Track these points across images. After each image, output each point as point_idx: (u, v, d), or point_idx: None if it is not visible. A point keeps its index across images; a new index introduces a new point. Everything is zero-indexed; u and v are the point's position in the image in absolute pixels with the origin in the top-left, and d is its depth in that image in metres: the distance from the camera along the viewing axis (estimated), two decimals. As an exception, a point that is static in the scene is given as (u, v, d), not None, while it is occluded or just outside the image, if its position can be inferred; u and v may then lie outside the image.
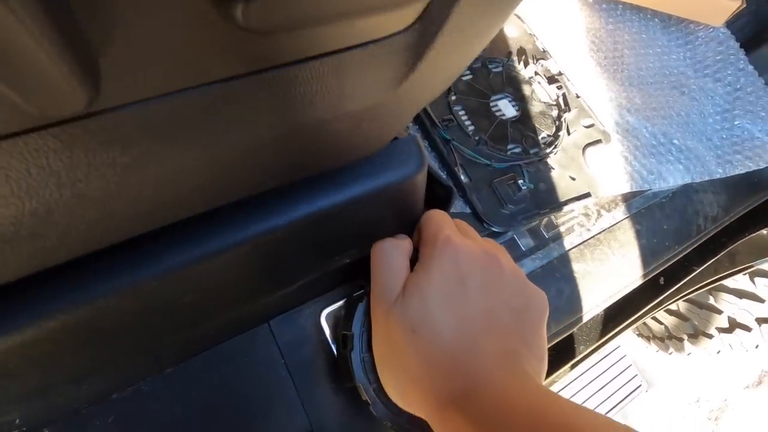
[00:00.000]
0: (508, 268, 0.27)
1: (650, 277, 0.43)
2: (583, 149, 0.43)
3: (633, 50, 0.52)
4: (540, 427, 0.19)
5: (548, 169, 0.41)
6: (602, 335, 0.45)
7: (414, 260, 0.27)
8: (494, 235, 0.38)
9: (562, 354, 0.44)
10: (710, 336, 0.97)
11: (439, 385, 0.22)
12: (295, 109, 0.15)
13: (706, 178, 0.46)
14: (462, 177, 0.38)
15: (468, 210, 0.38)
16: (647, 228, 0.43)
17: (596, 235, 0.41)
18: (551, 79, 0.46)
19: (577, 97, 0.46)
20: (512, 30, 0.49)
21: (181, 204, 0.16)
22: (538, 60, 0.47)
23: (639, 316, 0.47)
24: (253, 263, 0.24)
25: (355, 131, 0.19)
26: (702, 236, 0.45)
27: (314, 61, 0.13)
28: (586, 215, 0.42)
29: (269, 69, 0.12)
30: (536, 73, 0.46)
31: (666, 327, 1.06)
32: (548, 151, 0.42)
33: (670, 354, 1.09)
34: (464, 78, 0.44)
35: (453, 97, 0.42)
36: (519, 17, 0.50)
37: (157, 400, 0.26)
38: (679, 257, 0.44)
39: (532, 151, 0.41)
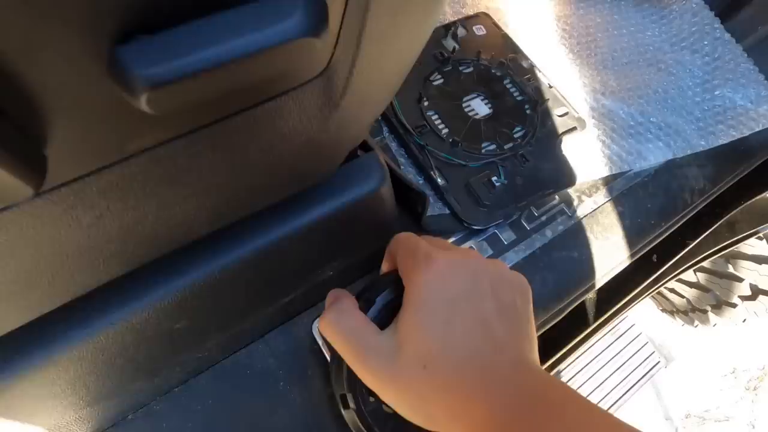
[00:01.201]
0: (488, 265, 0.27)
1: (639, 256, 0.44)
2: (559, 138, 0.44)
3: (606, 33, 0.53)
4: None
5: (524, 162, 0.42)
6: (596, 318, 0.46)
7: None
8: (475, 233, 0.40)
9: (556, 340, 0.45)
10: (734, 305, 0.95)
11: (460, 412, 0.23)
12: (231, 157, 0.17)
13: (689, 152, 0.46)
14: (438, 180, 0.40)
15: (447, 211, 0.39)
16: (630, 208, 0.43)
17: (578, 221, 0.42)
18: (523, 73, 0.47)
19: (550, 87, 0.47)
20: (481, 29, 0.50)
21: (149, 246, 0.19)
22: (508, 55, 0.48)
23: (635, 296, 0.47)
24: (234, 287, 0.26)
25: (301, 162, 0.21)
26: (690, 210, 0.45)
27: (232, 118, 0.15)
28: (567, 203, 0.42)
29: (190, 132, 0.14)
30: (508, 69, 0.47)
31: (688, 300, 1.04)
32: (523, 144, 0.43)
33: (696, 327, 1.07)
34: (435, 83, 0.45)
35: (425, 103, 0.44)
36: (487, 14, 0.51)
37: (168, 417, 0.29)
38: (668, 233, 0.45)
39: (506, 147, 0.43)
